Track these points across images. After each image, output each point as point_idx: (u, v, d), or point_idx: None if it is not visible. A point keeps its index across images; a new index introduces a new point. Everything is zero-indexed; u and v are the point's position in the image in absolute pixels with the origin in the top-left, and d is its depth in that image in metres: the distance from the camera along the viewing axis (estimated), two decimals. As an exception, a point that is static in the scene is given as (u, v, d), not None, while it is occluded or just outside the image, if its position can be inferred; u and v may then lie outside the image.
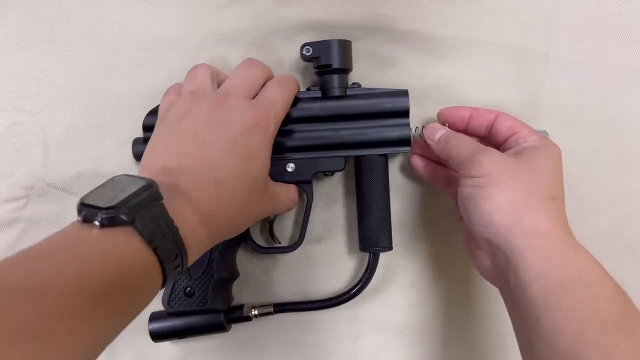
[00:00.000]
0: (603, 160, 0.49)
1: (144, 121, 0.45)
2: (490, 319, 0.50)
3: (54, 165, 0.49)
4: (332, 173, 0.46)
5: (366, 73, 0.49)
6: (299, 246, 0.46)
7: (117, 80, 0.49)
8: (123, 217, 0.28)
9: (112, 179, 0.32)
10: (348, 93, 0.45)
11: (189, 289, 0.45)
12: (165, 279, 0.31)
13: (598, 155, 0.49)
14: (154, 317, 0.46)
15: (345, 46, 0.44)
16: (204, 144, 0.36)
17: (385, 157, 0.46)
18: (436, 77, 0.49)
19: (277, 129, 0.40)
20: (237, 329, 0.49)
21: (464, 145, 0.40)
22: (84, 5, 0.48)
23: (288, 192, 0.44)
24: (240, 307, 0.47)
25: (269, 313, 0.47)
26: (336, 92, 0.44)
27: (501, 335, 0.50)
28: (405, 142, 0.44)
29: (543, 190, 0.36)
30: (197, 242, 0.33)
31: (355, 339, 0.51)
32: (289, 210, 0.45)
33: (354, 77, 0.48)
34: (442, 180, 0.46)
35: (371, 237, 0.45)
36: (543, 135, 0.42)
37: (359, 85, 0.46)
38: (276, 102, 0.40)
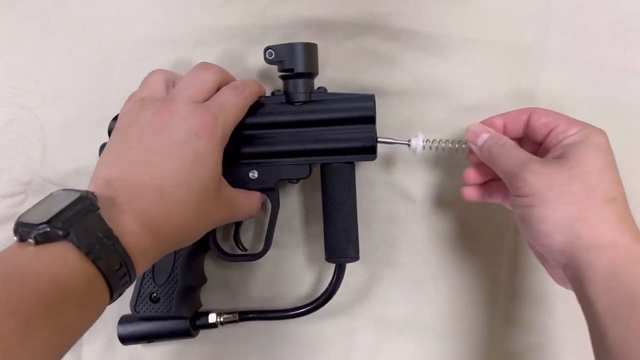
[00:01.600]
0: None
1: (108, 127, 0.45)
2: (491, 318, 0.49)
3: (52, 161, 0.50)
4: (297, 180, 0.45)
5: (362, 71, 0.48)
6: (264, 254, 0.46)
7: (115, 77, 0.50)
8: (57, 231, 0.28)
9: (50, 194, 0.32)
10: (313, 98, 0.43)
11: (154, 294, 0.45)
12: (112, 291, 0.31)
13: None
14: (123, 320, 0.46)
15: (310, 50, 0.43)
16: (148, 152, 0.35)
17: (352, 165, 0.44)
18: (432, 75, 0.48)
19: (228, 134, 0.39)
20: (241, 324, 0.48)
21: (507, 158, 0.38)
22: (82, 2, 0.49)
23: (249, 200, 0.43)
24: (206, 313, 0.47)
25: (234, 321, 0.47)
26: (300, 97, 0.43)
27: (500, 334, 0.49)
28: (370, 149, 0.42)
29: (598, 195, 0.34)
30: (143, 252, 0.33)
31: (349, 335, 0.50)
32: (250, 217, 0.44)
33: (349, 74, 0.48)
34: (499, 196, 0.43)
35: (337, 247, 0.44)
36: (582, 123, 0.38)
37: (325, 90, 0.44)
38: (227, 106, 0.39)
